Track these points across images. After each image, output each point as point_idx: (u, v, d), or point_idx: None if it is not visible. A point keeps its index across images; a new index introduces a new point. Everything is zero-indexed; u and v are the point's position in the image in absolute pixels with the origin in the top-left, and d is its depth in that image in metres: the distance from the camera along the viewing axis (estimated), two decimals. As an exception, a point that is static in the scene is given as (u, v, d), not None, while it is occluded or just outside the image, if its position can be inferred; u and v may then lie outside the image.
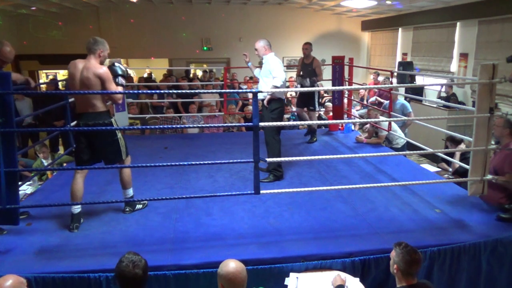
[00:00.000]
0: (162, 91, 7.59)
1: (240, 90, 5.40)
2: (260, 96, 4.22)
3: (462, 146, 4.67)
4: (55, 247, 2.92)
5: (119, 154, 3.31)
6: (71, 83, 3.20)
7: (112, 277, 2.51)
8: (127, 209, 3.47)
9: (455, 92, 8.15)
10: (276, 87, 4.01)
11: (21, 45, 11.14)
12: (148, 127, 5.31)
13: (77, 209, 3.20)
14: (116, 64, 3.29)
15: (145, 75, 12.29)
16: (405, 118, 5.98)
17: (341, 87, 6.26)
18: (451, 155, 4.72)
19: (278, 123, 4.18)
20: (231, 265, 2.08)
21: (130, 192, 3.52)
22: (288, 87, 7.07)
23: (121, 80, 3.24)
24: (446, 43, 8.90)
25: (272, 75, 4.10)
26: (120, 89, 3.26)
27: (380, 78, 10.44)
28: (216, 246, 2.91)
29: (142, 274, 2.06)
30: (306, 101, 5.78)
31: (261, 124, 3.04)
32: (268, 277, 2.70)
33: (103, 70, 3.12)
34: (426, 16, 9.41)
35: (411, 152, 5.27)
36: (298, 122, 6.14)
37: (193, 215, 3.45)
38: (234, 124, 7.26)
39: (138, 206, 3.54)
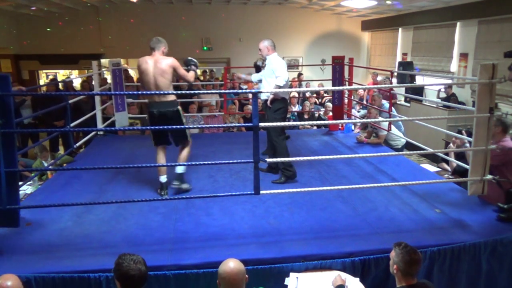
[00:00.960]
0: (162, 91, 7.59)
1: (240, 90, 5.40)
2: (263, 96, 4.22)
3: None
4: (55, 247, 2.91)
5: (185, 136, 3.90)
6: (145, 78, 3.70)
7: (112, 277, 2.51)
8: (175, 184, 3.82)
9: (455, 92, 8.15)
10: (279, 86, 3.99)
11: (21, 45, 11.14)
12: (148, 127, 5.31)
13: (164, 179, 3.80)
14: (189, 58, 4.08)
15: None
16: (405, 118, 5.98)
17: (341, 87, 6.26)
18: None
19: (281, 124, 4.18)
20: (229, 265, 2.10)
21: (183, 169, 3.86)
22: (291, 86, 7.04)
23: (193, 67, 3.97)
24: (446, 43, 8.90)
25: (275, 75, 4.07)
26: (192, 73, 3.91)
27: (379, 78, 10.46)
28: (216, 246, 2.92)
29: (145, 269, 2.08)
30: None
31: (261, 124, 3.04)
32: (268, 277, 2.70)
33: (173, 59, 3.74)
34: (426, 16, 9.41)
35: (411, 152, 5.27)
36: (298, 122, 6.15)
37: (193, 215, 3.45)
38: (234, 124, 7.26)
39: (186, 186, 3.86)
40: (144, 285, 2.10)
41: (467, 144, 4.41)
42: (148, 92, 3.59)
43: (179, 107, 3.79)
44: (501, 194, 3.43)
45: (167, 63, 3.68)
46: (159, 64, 3.66)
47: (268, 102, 4.16)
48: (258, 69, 5.32)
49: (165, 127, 3.43)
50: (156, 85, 3.68)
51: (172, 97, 3.72)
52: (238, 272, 2.09)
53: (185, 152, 3.93)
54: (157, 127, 3.47)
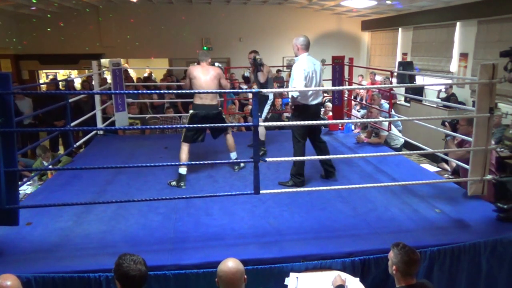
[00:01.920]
0: (162, 91, 7.60)
1: (240, 90, 5.39)
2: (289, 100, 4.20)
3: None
4: (55, 247, 2.92)
5: (226, 129, 4.60)
6: (197, 82, 4.26)
7: (112, 277, 2.51)
8: (236, 168, 4.54)
9: (455, 92, 8.15)
10: (294, 97, 3.93)
11: (21, 45, 11.15)
12: (148, 127, 5.31)
13: (183, 171, 4.13)
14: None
15: (145, 75, 12.30)
16: (405, 118, 5.98)
17: (341, 87, 6.26)
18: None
19: (278, 124, 4.16)
20: (227, 264, 2.10)
21: (235, 155, 4.54)
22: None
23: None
24: (446, 43, 8.90)
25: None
26: (228, 83, 4.77)
27: (379, 78, 10.46)
28: (216, 246, 2.92)
29: (146, 269, 2.08)
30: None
31: (261, 124, 3.04)
32: (268, 277, 2.70)
33: (219, 70, 4.42)
34: (426, 16, 9.41)
35: (411, 152, 5.27)
36: (298, 122, 6.13)
37: (193, 215, 3.45)
38: (234, 124, 7.26)
39: (242, 165, 4.56)
40: (144, 285, 2.10)
41: (448, 138, 4.41)
42: (149, 92, 3.58)
43: (220, 108, 4.47)
44: (492, 189, 3.43)
45: (215, 71, 4.34)
46: (209, 72, 4.29)
47: (289, 109, 4.11)
48: (247, 80, 5.30)
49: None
50: (207, 89, 4.25)
51: (216, 101, 4.32)
52: (236, 271, 2.09)
53: (231, 140, 4.58)
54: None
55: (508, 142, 5.40)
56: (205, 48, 12.14)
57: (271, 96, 5.25)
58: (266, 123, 5.02)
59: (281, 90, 6.10)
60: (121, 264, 2.05)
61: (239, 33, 11.95)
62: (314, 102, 4.04)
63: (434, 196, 3.79)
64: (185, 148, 4.26)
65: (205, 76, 4.27)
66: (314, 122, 3.59)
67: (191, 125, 3.89)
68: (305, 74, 3.88)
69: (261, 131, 5.12)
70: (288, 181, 4.14)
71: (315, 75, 4.01)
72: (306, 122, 3.71)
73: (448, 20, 8.67)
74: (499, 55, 3.37)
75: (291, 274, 2.69)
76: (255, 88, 5.17)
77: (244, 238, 3.05)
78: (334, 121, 6.40)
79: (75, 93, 5.55)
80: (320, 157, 4.18)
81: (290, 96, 4.00)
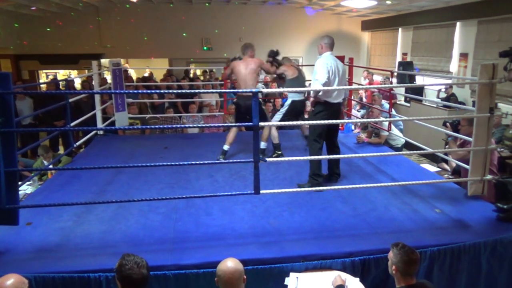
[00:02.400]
0: (162, 91, 7.60)
1: (241, 90, 5.38)
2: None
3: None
4: (55, 246, 2.92)
5: (265, 120, 5.17)
6: (240, 76, 4.78)
7: (112, 277, 2.51)
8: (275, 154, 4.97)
9: (455, 92, 8.15)
10: (316, 92, 3.91)
11: (21, 45, 11.14)
12: (148, 127, 5.31)
13: (226, 147, 4.86)
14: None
15: (146, 75, 12.30)
16: (406, 118, 5.98)
17: (341, 87, 6.23)
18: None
19: (282, 123, 4.15)
20: (226, 264, 2.11)
21: (264, 144, 4.99)
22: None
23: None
24: (446, 43, 8.90)
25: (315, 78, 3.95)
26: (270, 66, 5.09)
27: (379, 78, 10.46)
28: (216, 246, 2.92)
29: (147, 272, 2.08)
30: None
31: (261, 124, 3.03)
32: (268, 277, 2.70)
33: (258, 60, 4.89)
34: (426, 16, 9.42)
35: (411, 152, 5.27)
36: (298, 122, 6.12)
37: (193, 215, 3.45)
38: (234, 124, 7.24)
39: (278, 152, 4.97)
40: (146, 287, 2.10)
41: (450, 138, 4.41)
42: (150, 92, 3.57)
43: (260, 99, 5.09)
44: (492, 189, 3.44)
45: (255, 63, 4.79)
46: (249, 66, 4.75)
47: (310, 104, 4.05)
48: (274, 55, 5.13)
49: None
50: (246, 82, 4.73)
51: None
52: (235, 271, 2.09)
53: (265, 132, 4.98)
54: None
55: (508, 142, 5.42)
56: (205, 48, 12.14)
57: (288, 101, 5.07)
58: (271, 123, 5.00)
59: (286, 90, 6.08)
60: (124, 266, 2.04)
61: (239, 33, 11.94)
62: (336, 101, 4.02)
63: (434, 196, 3.79)
64: (233, 131, 4.92)
65: (245, 70, 4.76)
66: (317, 122, 3.58)
67: (189, 125, 3.91)
68: (328, 68, 3.89)
69: (273, 133, 5.08)
70: (305, 184, 4.05)
71: (338, 72, 4.00)
72: (307, 122, 3.71)
73: (448, 20, 8.67)
74: (498, 55, 3.37)
75: (291, 274, 2.69)
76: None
77: (244, 238, 3.05)
78: (334, 121, 6.38)
79: (75, 93, 5.55)
80: (318, 157, 4.16)
81: (311, 92, 3.97)
